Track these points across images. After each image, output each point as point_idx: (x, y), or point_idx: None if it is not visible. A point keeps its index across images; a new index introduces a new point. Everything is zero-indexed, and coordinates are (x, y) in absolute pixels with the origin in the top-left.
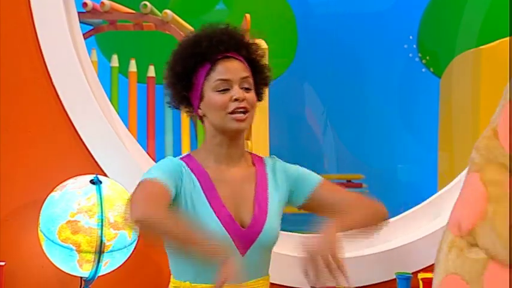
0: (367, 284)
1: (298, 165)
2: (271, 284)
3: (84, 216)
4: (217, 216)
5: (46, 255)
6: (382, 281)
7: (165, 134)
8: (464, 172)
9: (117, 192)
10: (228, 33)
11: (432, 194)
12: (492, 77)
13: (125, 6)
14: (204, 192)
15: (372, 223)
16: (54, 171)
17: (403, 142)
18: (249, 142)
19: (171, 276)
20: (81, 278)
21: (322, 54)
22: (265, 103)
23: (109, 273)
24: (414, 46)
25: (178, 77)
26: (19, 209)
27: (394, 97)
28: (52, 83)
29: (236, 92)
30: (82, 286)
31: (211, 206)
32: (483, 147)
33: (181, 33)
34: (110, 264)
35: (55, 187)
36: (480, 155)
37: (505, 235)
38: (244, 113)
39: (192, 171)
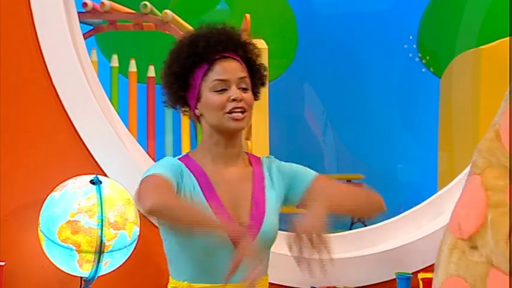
0: (367, 284)
1: (293, 163)
2: (270, 283)
3: (84, 216)
4: (216, 215)
5: (46, 255)
6: (382, 281)
7: (165, 134)
8: (464, 172)
9: (117, 192)
10: (225, 33)
11: (432, 194)
12: (492, 77)
13: (125, 6)
14: (202, 192)
15: (365, 213)
16: (54, 171)
17: (403, 142)
18: (248, 142)
19: (170, 276)
20: (81, 278)
21: (322, 54)
22: (265, 103)
23: (109, 273)
24: (414, 46)
25: (176, 77)
26: (19, 209)
27: (394, 97)
28: (52, 83)
29: (234, 92)
30: (82, 286)
31: (210, 206)
32: (485, 149)
33: (181, 33)
34: (110, 264)
35: (55, 187)
36: (482, 157)
37: (501, 244)
38: (242, 112)
39: (190, 171)
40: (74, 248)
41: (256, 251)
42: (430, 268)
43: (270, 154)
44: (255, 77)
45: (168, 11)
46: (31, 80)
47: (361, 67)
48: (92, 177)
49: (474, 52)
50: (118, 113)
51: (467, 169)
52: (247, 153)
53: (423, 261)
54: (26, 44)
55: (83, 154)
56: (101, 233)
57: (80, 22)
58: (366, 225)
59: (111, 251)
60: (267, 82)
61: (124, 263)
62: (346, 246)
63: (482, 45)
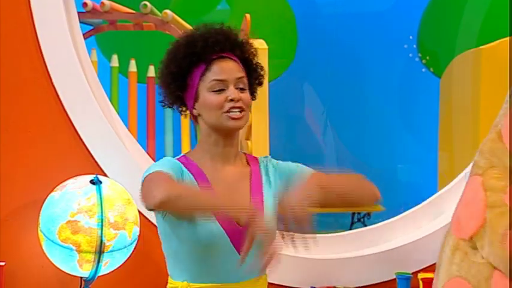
0: (367, 284)
1: (290, 162)
2: (270, 283)
3: (84, 216)
4: (216, 215)
5: (46, 255)
6: (382, 281)
7: (165, 134)
8: (464, 172)
9: (117, 192)
10: (223, 33)
11: (432, 194)
12: (492, 77)
13: (125, 6)
14: None
15: (358, 198)
16: (54, 171)
17: (403, 142)
18: (248, 142)
19: (169, 277)
20: (81, 278)
21: (322, 54)
22: (265, 103)
23: (109, 273)
24: (414, 46)
25: (173, 77)
26: (19, 209)
27: (394, 97)
28: (52, 83)
29: (232, 92)
30: (82, 286)
31: None
32: (487, 150)
33: (181, 33)
34: (110, 264)
35: (55, 187)
36: (484, 158)
37: (496, 244)
38: (240, 111)
39: (189, 171)
40: (74, 248)
41: (268, 228)
42: (430, 268)
43: (270, 154)
44: (252, 76)
45: (168, 11)
46: (31, 80)
47: (361, 67)
48: (92, 177)
49: (474, 52)
50: (118, 113)
51: (467, 169)
52: (244, 153)
53: (423, 261)
54: (26, 44)
55: (83, 154)
56: (101, 233)
57: (80, 22)
58: (366, 225)
59: (111, 251)
60: (267, 82)
61: (124, 263)
62: (346, 246)
63: (482, 45)
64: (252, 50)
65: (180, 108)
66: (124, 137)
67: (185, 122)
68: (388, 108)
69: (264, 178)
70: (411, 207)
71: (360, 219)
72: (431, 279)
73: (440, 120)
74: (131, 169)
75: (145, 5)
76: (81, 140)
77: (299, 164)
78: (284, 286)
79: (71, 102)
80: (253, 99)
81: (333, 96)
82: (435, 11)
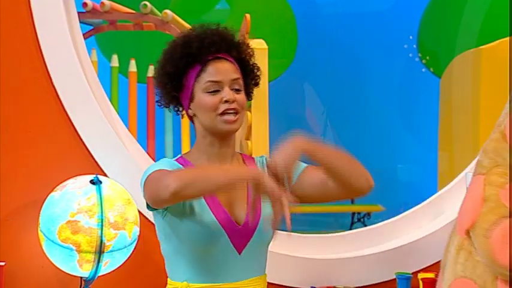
0: (367, 284)
1: None
2: (270, 283)
3: (84, 216)
4: (214, 214)
5: (46, 255)
6: (382, 281)
7: (165, 134)
8: (464, 172)
9: (117, 192)
10: (219, 34)
11: (432, 194)
12: (492, 77)
13: (125, 6)
14: None
15: (348, 177)
16: (54, 171)
17: (403, 142)
18: (248, 142)
19: (168, 278)
20: (81, 278)
21: (322, 54)
22: (265, 103)
23: (109, 273)
24: (414, 46)
25: (169, 77)
26: (19, 209)
27: (394, 97)
28: (52, 83)
29: (226, 93)
30: (82, 286)
31: (207, 203)
32: (491, 150)
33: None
34: (110, 264)
35: (55, 187)
36: (488, 158)
37: (479, 238)
38: (234, 114)
39: None
40: (74, 248)
41: (275, 188)
42: (430, 268)
43: (270, 154)
44: (249, 77)
45: (168, 11)
46: (31, 80)
47: (361, 67)
48: (92, 177)
49: (474, 52)
50: (118, 113)
51: (468, 169)
52: (240, 153)
53: (423, 261)
54: (26, 44)
55: (83, 154)
56: (101, 233)
57: (80, 22)
58: (366, 225)
59: (111, 251)
60: (267, 82)
61: (124, 263)
62: (346, 246)
63: (482, 45)
64: (249, 50)
65: (176, 108)
66: (124, 137)
67: (185, 122)
68: (388, 108)
69: None
70: (411, 207)
71: (360, 219)
72: (431, 279)
73: (440, 120)
74: (131, 169)
75: (145, 5)
76: (81, 140)
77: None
78: (284, 286)
79: (71, 102)
80: (249, 100)
81: (333, 96)
82: (435, 11)
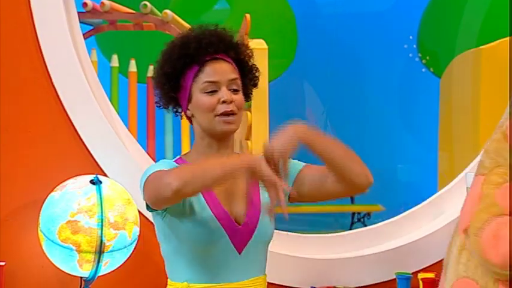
0: (367, 284)
1: None
2: (270, 283)
3: (84, 216)
4: (214, 214)
5: (46, 255)
6: (382, 281)
7: (165, 134)
8: (464, 172)
9: (117, 192)
10: (216, 35)
11: (432, 194)
12: (492, 77)
13: (125, 6)
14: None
15: (346, 170)
16: (54, 171)
17: (403, 142)
18: (248, 142)
19: (168, 279)
20: (81, 278)
21: (322, 54)
22: (265, 103)
23: (109, 273)
24: (414, 46)
25: (167, 78)
26: (19, 209)
27: (394, 97)
28: (52, 83)
29: (224, 94)
30: (82, 286)
31: (207, 203)
32: (493, 150)
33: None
34: (110, 264)
35: (55, 187)
36: (490, 158)
37: (472, 238)
38: (232, 115)
39: None
40: (74, 248)
41: (271, 174)
42: (430, 268)
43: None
44: (247, 78)
45: (168, 11)
46: (31, 80)
47: (361, 67)
48: (92, 177)
49: (474, 52)
50: (118, 113)
51: (468, 169)
52: (239, 154)
53: (423, 261)
54: (26, 44)
55: (83, 154)
56: (101, 233)
57: (80, 22)
58: (366, 225)
59: (111, 251)
60: (267, 82)
61: (124, 263)
62: (346, 246)
63: (482, 45)
64: (248, 51)
65: (174, 109)
66: (124, 137)
67: (185, 123)
68: (388, 108)
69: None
70: (411, 207)
71: (360, 219)
72: (431, 279)
73: (440, 120)
74: (131, 169)
75: (145, 5)
76: (81, 140)
77: (293, 160)
78: (284, 286)
79: (71, 102)
80: (247, 101)
81: (333, 96)
82: (435, 11)
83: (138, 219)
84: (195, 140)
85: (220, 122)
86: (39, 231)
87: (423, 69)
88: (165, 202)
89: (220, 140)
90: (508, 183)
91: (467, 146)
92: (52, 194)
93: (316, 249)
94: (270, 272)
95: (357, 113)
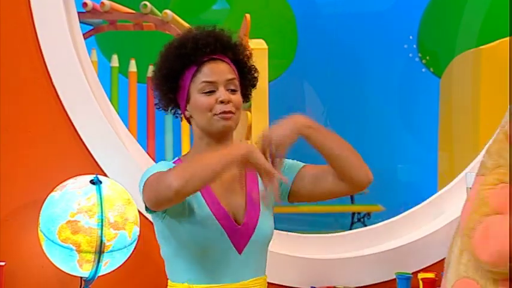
0: (367, 284)
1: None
2: (270, 283)
3: (84, 216)
4: (214, 214)
5: (46, 255)
6: (382, 281)
7: (165, 134)
8: (464, 172)
9: (117, 192)
10: (214, 35)
11: (432, 194)
12: (492, 77)
13: (125, 6)
14: (201, 193)
15: (347, 166)
16: (54, 171)
17: (403, 142)
18: (248, 142)
19: (168, 280)
20: (81, 278)
21: (322, 54)
22: (265, 103)
23: (109, 273)
24: (414, 46)
25: (165, 79)
26: (19, 209)
27: (394, 97)
28: (52, 83)
29: (221, 94)
30: (82, 286)
31: (207, 203)
32: (495, 151)
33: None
34: (110, 264)
35: (55, 187)
36: (492, 159)
37: (465, 238)
38: (230, 114)
39: None
40: (74, 248)
41: (265, 162)
42: (430, 268)
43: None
44: (246, 78)
45: (168, 11)
46: (31, 80)
47: (361, 67)
48: (92, 177)
49: (474, 52)
50: (118, 113)
51: (468, 169)
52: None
53: (423, 261)
54: (26, 44)
55: (83, 154)
56: (101, 233)
57: (80, 22)
58: (366, 225)
59: (111, 251)
60: (267, 82)
61: (124, 263)
62: (346, 246)
63: (482, 45)
64: (246, 52)
65: (174, 110)
66: (124, 137)
67: (185, 123)
68: (388, 108)
69: (259, 176)
70: (411, 207)
71: (360, 219)
72: (432, 279)
73: (440, 120)
74: (131, 169)
75: (145, 5)
76: (81, 140)
77: (291, 160)
78: (284, 286)
79: (71, 102)
80: (246, 102)
81: (333, 96)
82: (435, 11)
83: (138, 219)
84: (194, 141)
85: (218, 118)
86: (39, 231)
87: (423, 69)
88: (167, 203)
89: (219, 139)
90: (503, 184)
91: (467, 146)
92: (52, 194)
93: (316, 249)
94: (270, 272)
95: (357, 113)
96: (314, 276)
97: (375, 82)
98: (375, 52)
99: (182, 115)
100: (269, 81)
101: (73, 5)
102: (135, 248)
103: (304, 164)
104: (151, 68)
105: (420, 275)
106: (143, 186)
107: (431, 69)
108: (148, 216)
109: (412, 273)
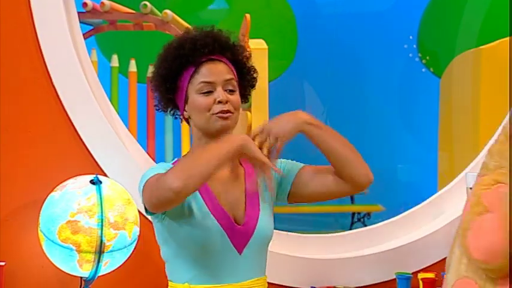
0: (367, 284)
1: (282, 159)
2: (270, 283)
3: (84, 216)
4: (214, 215)
5: (46, 255)
6: (382, 281)
7: (165, 134)
8: (464, 172)
9: (117, 192)
10: (212, 36)
11: (432, 194)
12: (492, 77)
13: (125, 6)
14: (200, 194)
15: (348, 164)
16: (54, 171)
17: (403, 142)
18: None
19: (169, 282)
20: (81, 278)
21: (322, 54)
22: (265, 103)
23: (109, 273)
24: (414, 46)
25: (164, 80)
26: (19, 209)
27: (394, 97)
28: (52, 83)
29: (219, 94)
30: (82, 286)
31: (206, 204)
32: (496, 152)
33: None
34: (110, 264)
35: (55, 187)
36: (494, 160)
37: (460, 238)
38: (228, 114)
39: None
40: (74, 248)
41: (260, 153)
42: (430, 268)
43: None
44: (245, 79)
45: (168, 11)
46: (31, 80)
47: (361, 67)
48: (92, 177)
49: (474, 52)
50: (118, 113)
51: (468, 169)
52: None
53: (423, 261)
54: (26, 44)
55: (83, 154)
56: (101, 233)
57: (80, 22)
58: (366, 225)
59: (111, 251)
60: (267, 82)
61: (124, 263)
62: (346, 246)
63: (482, 45)
64: (245, 52)
65: (173, 111)
66: (124, 137)
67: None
68: (388, 108)
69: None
70: (411, 207)
71: (360, 219)
72: (431, 279)
73: (440, 120)
74: (131, 169)
75: (145, 5)
76: (81, 140)
77: (290, 161)
78: (284, 286)
79: (71, 102)
80: (245, 102)
81: (333, 96)
82: (435, 11)
83: (138, 219)
84: (193, 141)
85: (216, 118)
86: (39, 231)
87: (423, 69)
88: (168, 204)
89: (218, 139)
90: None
91: (467, 146)
92: (52, 194)
93: (316, 249)
94: (270, 272)
95: (357, 113)
96: (314, 276)
97: (375, 82)
98: (375, 52)
99: (181, 116)
100: (269, 81)
101: (73, 5)
102: (135, 248)
103: (303, 164)
104: (151, 68)
105: (420, 275)
106: (143, 189)
107: (431, 69)
108: (148, 217)
109: (412, 273)
